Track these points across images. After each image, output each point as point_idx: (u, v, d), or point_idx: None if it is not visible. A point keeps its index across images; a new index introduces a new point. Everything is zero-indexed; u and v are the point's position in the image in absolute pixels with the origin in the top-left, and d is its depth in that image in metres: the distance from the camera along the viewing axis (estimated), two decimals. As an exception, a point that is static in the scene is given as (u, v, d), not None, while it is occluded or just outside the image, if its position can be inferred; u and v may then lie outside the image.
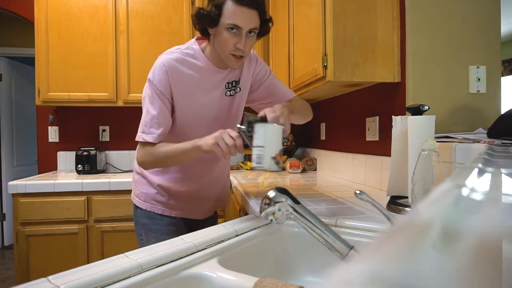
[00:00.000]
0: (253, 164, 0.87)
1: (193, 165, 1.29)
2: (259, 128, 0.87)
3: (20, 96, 4.22)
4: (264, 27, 1.15)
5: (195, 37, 1.25)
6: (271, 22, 1.17)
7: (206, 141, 1.03)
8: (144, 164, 1.22)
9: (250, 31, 1.10)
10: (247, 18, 1.08)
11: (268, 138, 0.85)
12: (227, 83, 1.27)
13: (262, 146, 0.86)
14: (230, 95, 1.29)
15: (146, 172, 1.34)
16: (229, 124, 1.29)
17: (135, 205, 1.38)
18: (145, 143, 1.18)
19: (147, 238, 1.33)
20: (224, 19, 1.08)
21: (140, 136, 1.18)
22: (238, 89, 1.29)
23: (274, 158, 0.86)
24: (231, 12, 1.06)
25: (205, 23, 1.12)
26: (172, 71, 1.16)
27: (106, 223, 2.23)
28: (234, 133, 0.97)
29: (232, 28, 1.08)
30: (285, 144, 0.89)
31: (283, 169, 2.56)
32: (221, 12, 1.07)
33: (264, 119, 0.93)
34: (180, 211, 1.34)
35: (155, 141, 1.16)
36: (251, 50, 1.28)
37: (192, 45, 1.22)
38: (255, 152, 0.86)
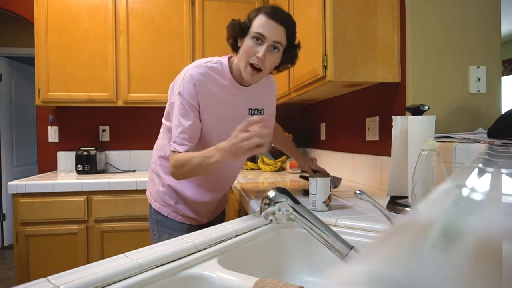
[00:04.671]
0: (309, 207, 1.16)
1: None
2: (312, 181, 1.15)
3: (20, 96, 4.22)
4: (290, 50, 1.17)
5: (230, 55, 1.27)
6: (299, 48, 1.19)
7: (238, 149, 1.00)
8: (175, 174, 1.20)
9: (274, 47, 1.12)
10: (273, 30, 1.11)
11: (319, 188, 1.13)
12: (250, 109, 1.29)
13: (315, 194, 1.14)
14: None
15: (160, 171, 1.36)
16: None
17: (149, 202, 1.44)
18: (178, 154, 1.17)
19: (159, 234, 1.37)
20: (252, 29, 1.13)
21: (172, 146, 1.18)
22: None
23: (324, 202, 1.14)
24: (260, 23, 1.11)
25: (236, 33, 1.17)
26: (200, 84, 1.17)
27: (106, 223, 2.23)
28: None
29: (257, 38, 1.11)
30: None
31: (283, 169, 2.56)
32: (252, 23, 1.13)
33: (315, 171, 1.44)
34: (183, 216, 1.37)
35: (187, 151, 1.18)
36: (273, 79, 1.34)
37: (222, 59, 1.23)
38: (310, 198, 1.16)
